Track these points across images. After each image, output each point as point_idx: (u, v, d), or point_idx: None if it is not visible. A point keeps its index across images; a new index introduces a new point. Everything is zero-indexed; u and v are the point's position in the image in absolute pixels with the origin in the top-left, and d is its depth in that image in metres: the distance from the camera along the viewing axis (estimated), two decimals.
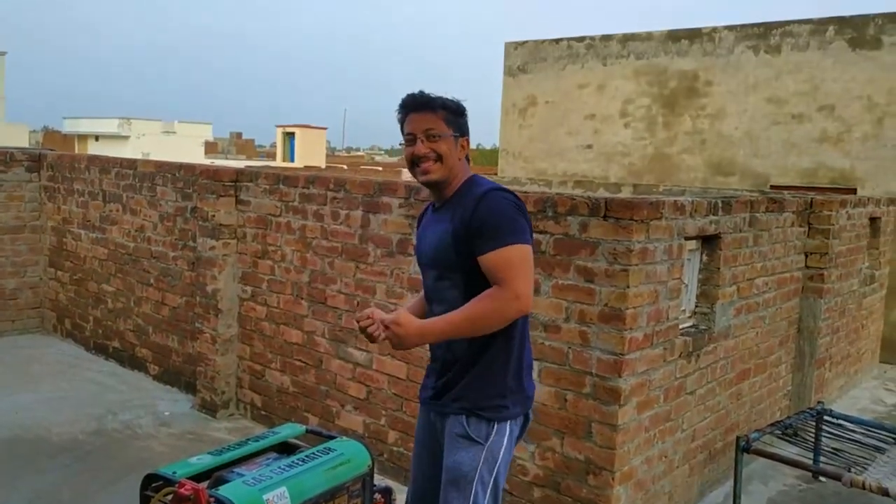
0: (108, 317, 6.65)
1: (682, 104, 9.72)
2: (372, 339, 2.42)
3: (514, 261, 2.34)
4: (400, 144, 2.58)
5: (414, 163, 2.52)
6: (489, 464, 2.51)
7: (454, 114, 2.52)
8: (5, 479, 4.15)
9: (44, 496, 4.05)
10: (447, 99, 2.53)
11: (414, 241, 2.85)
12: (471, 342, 2.51)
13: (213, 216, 5.31)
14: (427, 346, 2.81)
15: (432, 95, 2.53)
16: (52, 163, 7.25)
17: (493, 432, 2.51)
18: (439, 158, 2.48)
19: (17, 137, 23.43)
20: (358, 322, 2.44)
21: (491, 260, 2.36)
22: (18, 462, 4.43)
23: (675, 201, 3.75)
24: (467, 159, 2.61)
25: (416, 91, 2.55)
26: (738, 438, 4.22)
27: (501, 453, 2.53)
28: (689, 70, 9.66)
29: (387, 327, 2.35)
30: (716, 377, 4.35)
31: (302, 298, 4.95)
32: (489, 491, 2.52)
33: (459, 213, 2.46)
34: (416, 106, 2.51)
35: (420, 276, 2.78)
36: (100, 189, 6.67)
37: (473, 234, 2.39)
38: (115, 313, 6.56)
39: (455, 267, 2.49)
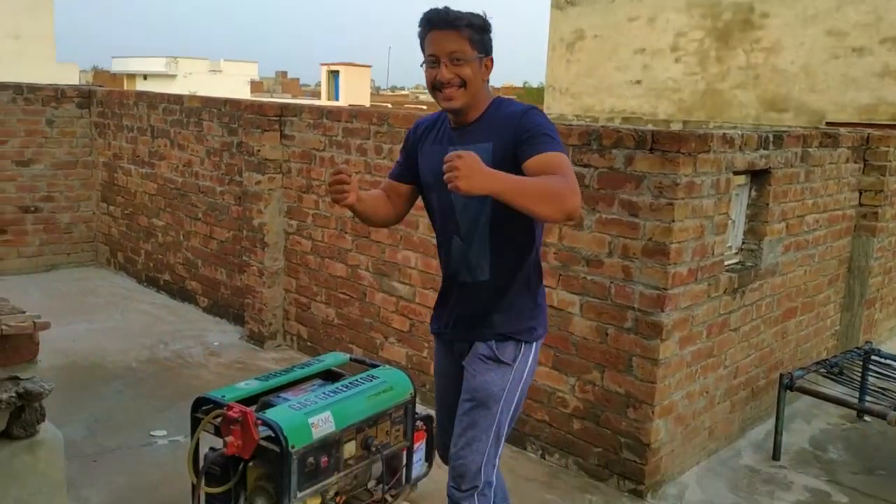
0: (158, 250, 6.81)
1: (736, 37, 9.39)
2: (338, 197, 2.33)
3: (567, 165, 2.23)
4: (421, 66, 2.43)
5: (436, 87, 2.38)
6: (514, 384, 2.53)
7: (480, 32, 2.36)
8: (64, 403, 4.32)
9: (100, 419, 4.23)
10: (473, 15, 2.36)
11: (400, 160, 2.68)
12: (493, 265, 2.47)
13: (259, 151, 5.35)
14: (439, 270, 2.70)
15: (458, 12, 2.34)
16: (102, 99, 7.35)
17: (521, 353, 2.52)
18: (463, 84, 2.34)
19: (68, 77, 23.71)
20: (332, 177, 2.33)
21: (549, 158, 2.22)
22: (76, 387, 4.62)
23: (724, 134, 3.65)
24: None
25: (440, 6, 2.38)
26: (781, 376, 4.19)
27: (526, 373, 2.55)
28: (745, 1, 9.29)
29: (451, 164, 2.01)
30: (761, 315, 4.30)
31: (346, 232, 4.99)
32: (512, 409, 2.55)
33: (498, 129, 2.36)
34: (440, 23, 2.34)
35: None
36: (148, 125, 6.76)
37: (524, 141, 2.28)
38: (165, 247, 6.72)
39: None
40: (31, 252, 7.28)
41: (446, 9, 2.35)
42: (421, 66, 2.42)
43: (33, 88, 7.19)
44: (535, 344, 2.56)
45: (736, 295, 4.01)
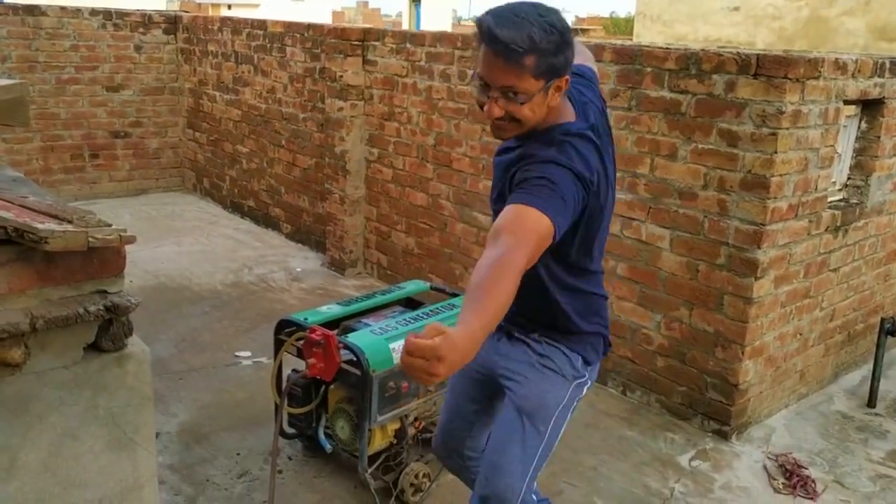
0: (242, 177, 6.89)
1: None
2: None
3: (514, 219, 1.69)
4: (471, 76, 2.11)
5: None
6: (566, 408, 2.09)
7: (551, 55, 1.72)
8: (154, 321, 4.47)
9: (187, 337, 4.35)
10: (545, 32, 1.70)
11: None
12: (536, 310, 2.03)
13: (341, 76, 5.29)
14: None
15: (524, 34, 1.68)
16: (188, 25, 7.39)
17: (580, 373, 2.09)
18: (514, 121, 1.81)
19: (155, 3, 24.11)
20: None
21: (504, 212, 1.73)
22: (164, 307, 4.76)
23: (837, 59, 3.38)
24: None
25: (503, 13, 1.72)
26: (882, 321, 3.96)
27: (575, 402, 2.12)
28: None
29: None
30: (863, 255, 4.05)
31: (427, 161, 4.91)
32: (556, 437, 2.11)
33: (517, 156, 1.89)
34: (496, 48, 1.70)
35: None
36: (232, 50, 6.76)
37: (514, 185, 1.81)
38: (249, 173, 6.79)
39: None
40: (122, 176, 7.48)
41: (510, 24, 1.69)
42: (472, 76, 2.07)
43: (122, 14, 7.27)
44: (589, 369, 2.12)
45: (838, 233, 3.78)
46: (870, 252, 4.09)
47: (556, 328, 2.07)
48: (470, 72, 4.49)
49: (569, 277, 2.00)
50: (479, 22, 1.74)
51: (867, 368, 4.10)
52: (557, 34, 1.72)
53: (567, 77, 1.79)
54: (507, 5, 1.76)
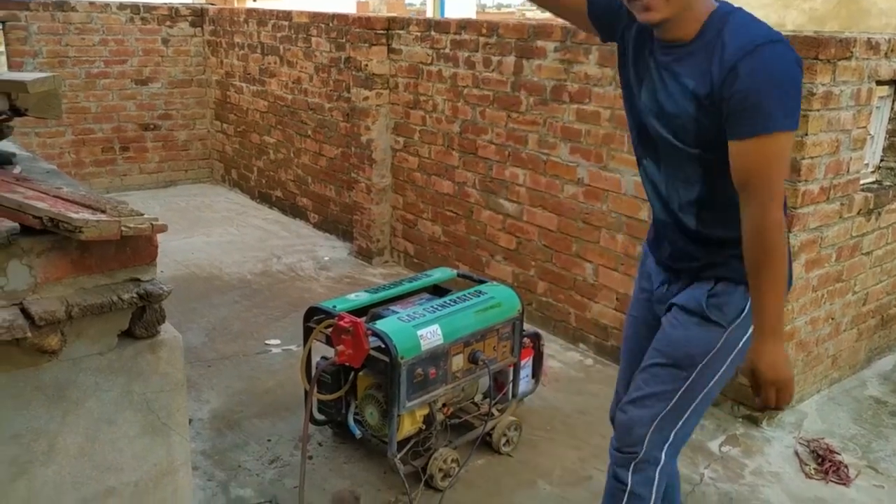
0: (270, 167, 6.94)
1: None
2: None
3: (766, 163, 1.68)
4: None
5: None
6: (723, 355, 1.98)
7: None
8: (185, 311, 4.53)
9: (217, 326, 4.41)
10: None
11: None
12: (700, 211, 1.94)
13: (366, 66, 5.30)
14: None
15: None
16: (214, 17, 7.44)
17: (742, 316, 1.95)
18: None
19: None
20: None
21: (743, 155, 1.71)
22: (194, 296, 4.82)
23: (869, 39, 3.32)
24: None
25: None
26: None
27: (739, 346, 1.98)
28: None
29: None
30: None
31: (453, 149, 4.91)
32: (709, 388, 2.01)
33: (702, 68, 1.74)
34: None
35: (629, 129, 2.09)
36: (258, 42, 6.80)
37: (726, 114, 1.71)
38: (276, 164, 6.84)
39: (694, 143, 1.83)
40: (152, 168, 7.58)
41: None
42: None
43: (149, 8, 7.34)
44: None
45: (871, 216, 3.72)
46: None
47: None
48: (495, 58, 4.48)
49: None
50: None
51: None
52: None
53: None
54: None
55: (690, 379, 1.99)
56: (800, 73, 1.70)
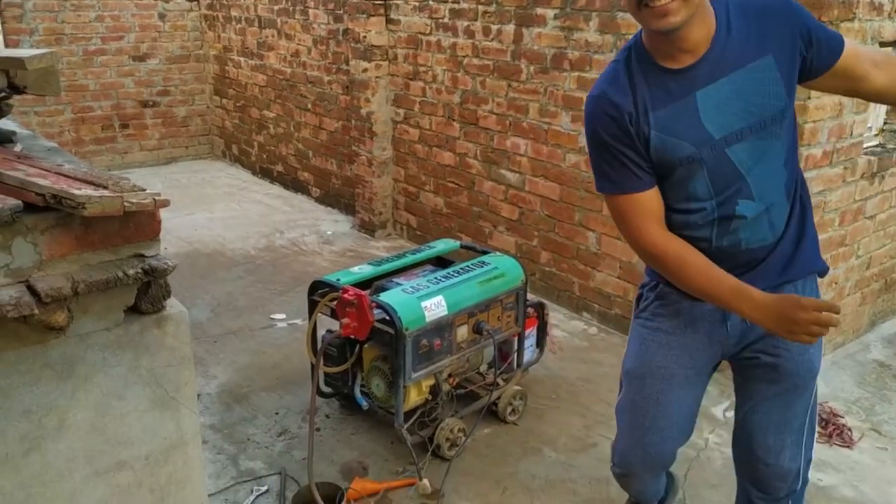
0: (270, 142, 6.92)
1: None
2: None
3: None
4: None
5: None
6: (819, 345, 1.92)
7: None
8: (190, 287, 4.55)
9: (223, 301, 4.42)
10: None
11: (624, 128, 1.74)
12: (789, 209, 1.84)
13: (365, 37, 5.26)
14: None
15: None
16: None
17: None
18: None
19: None
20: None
21: (856, 48, 1.76)
22: (199, 272, 4.83)
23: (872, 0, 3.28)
24: None
25: None
26: None
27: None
28: None
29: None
30: None
31: (454, 120, 4.89)
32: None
33: (768, 36, 1.68)
34: None
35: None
36: (255, 15, 6.74)
37: (814, 44, 1.71)
38: (276, 138, 6.82)
39: (785, 112, 1.72)
40: (152, 145, 7.56)
41: None
42: None
43: None
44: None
45: (874, 180, 3.71)
46: None
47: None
48: (495, 27, 4.43)
49: None
50: None
51: None
52: None
53: None
54: None
55: (814, 391, 1.97)
56: None
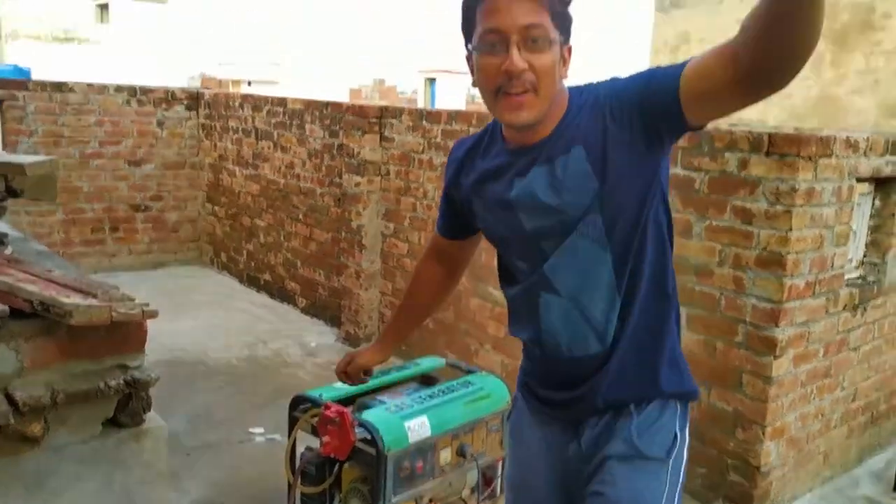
0: (259, 251, 6.96)
1: (854, 40, 8.89)
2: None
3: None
4: (468, 52, 1.57)
5: (499, 88, 1.51)
6: (674, 486, 1.68)
7: (562, 2, 1.53)
8: (168, 396, 4.43)
9: (201, 413, 4.33)
10: None
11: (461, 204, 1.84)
12: (621, 323, 1.65)
13: (359, 153, 5.39)
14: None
15: None
16: (209, 101, 7.59)
17: (677, 434, 1.70)
18: (536, 88, 1.50)
19: (177, 81, 24.90)
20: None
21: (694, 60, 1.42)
22: (178, 381, 4.74)
23: (848, 137, 3.42)
24: None
25: None
26: None
27: (684, 464, 1.71)
28: (864, 2, 8.80)
29: None
30: (883, 334, 4.01)
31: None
32: None
33: (582, 126, 1.55)
34: None
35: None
36: (252, 126, 6.93)
37: (645, 96, 1.46)
38: (266, 247, 6.86)
39: (602, 201, 1.55)
40: (141, 249, 7.58)
41: None
42: (469, 52, 1.57)
43: (146, 90, 7.49)
44: (687, 410, 1.76)
45: (856, 312, 3.75)
46: (890, 331, 4.05)
47: None
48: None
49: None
50: None
51: (892, 451, 4.02)
52: None
53: (570, 48, 1.57)
54: None
55: None
56: None
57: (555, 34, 1.49)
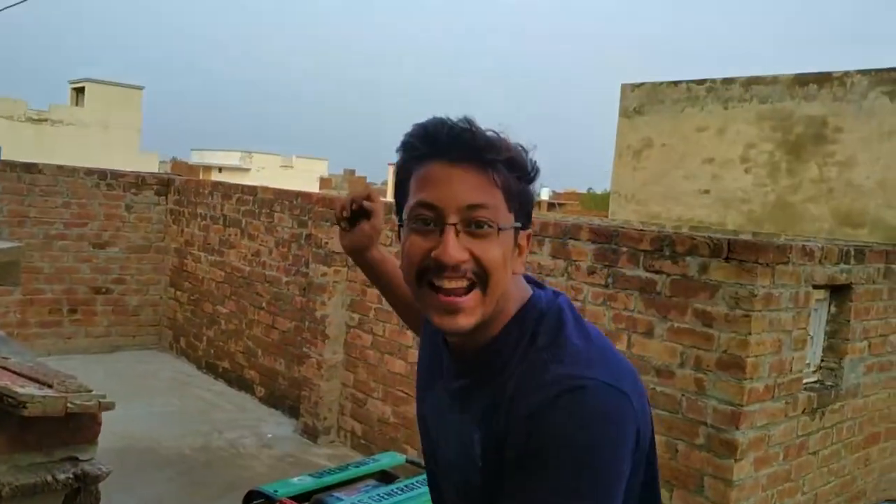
0: (220, 337, 6.86)
1: (809, 150, 9.29)
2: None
3: None
4: (399, 224, 1.19)
5: (424, 275, 1.15)
6: None
7: (522, 180, 1.18)
8: (115, 487, 4.26)
9: None
10: (514, 145, 1.16)
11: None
12: None
13: (327, 243, 5.42)
14: None
15: (490, 135, 1.14)
16: (180, 187, 7.62)
17: None
18: (480, 281, 1.13)
19: (149, 166, 24.98)
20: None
21: None
22: (128, 471, 4.57)
23: (804, 246, 3.54)
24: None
25: (449, 118, 1.15)
26: None
27: None
28: (818, 115, 9.24)
29: None
30: (841, 438, 4.04)
31: (407, 329, 4.94)
32: None
33: (494, 409, 1.16)
34: (457, 149, 1.13)
35: None
36: (221, 214, 6.94)
37: (511, 467, 1.11)
38: (227, 334, 6.77)
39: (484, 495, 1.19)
40: (99, 332, 7.42)
41: (468, 123, 1.14)
42: (399, 224, 1.19)
43: (116, 175, 7.51)
44: None
45: (815, 416, 3.79)
46: (848, 435, 4.08)
47: None
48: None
49: None
50: (424, 130, 1.15)
51: None
52: (526, 156, 1.18)
53: (530, 234, 1.25)
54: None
55: None
56: (607, 431, 1.06)
57: (507, 218, 1.15)
